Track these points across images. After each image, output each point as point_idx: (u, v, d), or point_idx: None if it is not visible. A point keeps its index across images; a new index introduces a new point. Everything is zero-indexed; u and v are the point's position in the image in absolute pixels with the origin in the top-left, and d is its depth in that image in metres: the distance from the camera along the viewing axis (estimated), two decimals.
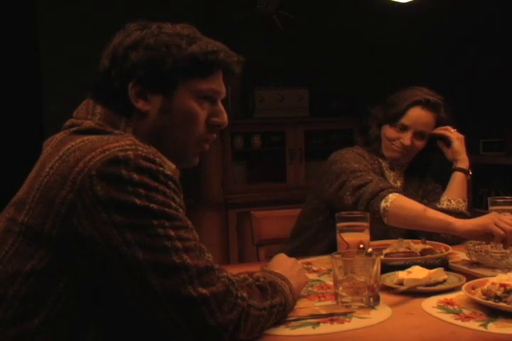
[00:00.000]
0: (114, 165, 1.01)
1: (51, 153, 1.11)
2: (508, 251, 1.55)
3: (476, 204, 4.24)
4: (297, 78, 4.03)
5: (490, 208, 1.68)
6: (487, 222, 1.57)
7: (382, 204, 1.75)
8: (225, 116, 1.25)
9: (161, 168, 1.05)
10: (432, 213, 1.70)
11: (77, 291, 1.05)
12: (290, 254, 1.49)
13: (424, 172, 2.16)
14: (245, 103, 3.96)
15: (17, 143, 3.70)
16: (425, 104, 2.02)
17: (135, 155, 1.03)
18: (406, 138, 2.01)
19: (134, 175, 1.01)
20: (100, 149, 1.04)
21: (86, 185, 1.01)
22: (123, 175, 1.01)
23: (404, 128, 2.02)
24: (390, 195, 1.76)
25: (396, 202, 1.74)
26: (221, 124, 1.25)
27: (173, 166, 1.21)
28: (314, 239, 2.01)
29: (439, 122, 2.05)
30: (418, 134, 2.02)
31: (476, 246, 1.65)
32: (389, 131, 2.05)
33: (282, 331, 1.17)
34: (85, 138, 1.10)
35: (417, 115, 2.02)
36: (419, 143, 2.03)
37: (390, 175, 2.09)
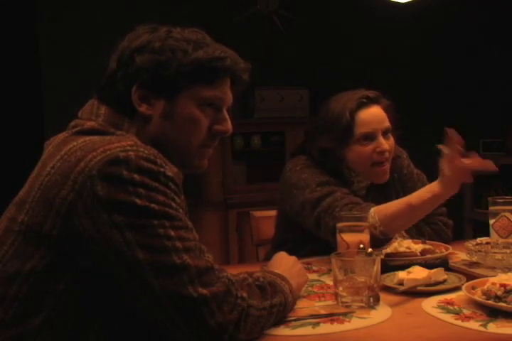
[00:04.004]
0: (115, 166, 1.02)
1: (53, 153, 1.11)
2: (508, 251, 1.55)
3: (476, 204, 4.24)
4: (297, 78, 4.03)
5: (490, 208, 1.68)
6: (451, 168, 1.53)
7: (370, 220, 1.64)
8: (229, 124, 1.24)
9: (161, 169, 1.05)
10: (415, 199, 1.63)
11: (77, 291, 1.05)
12: None
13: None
14: (245, 103, 3.96)
15: (17, 143, 3.70)
16: (366, 103, 1.82)
17: (136, 155, 1.03)
18: (382, 144, 1.80)
19: (135, 176, 1.02)
20: (101, 149, 1.04)
21: (87, 185, 1.01)
22: (124, 176, 1.01)
23: (370, 137, 1.81)
24: (371, 211, 1.66)
25: (379, 214, 1.65)
26: (224, 132, 1.24)
27: (175, 169, 1.20)
28: (292, 252, 1.80)
29: (388, 111, 1.85)
30: (386, 133, 1.83)
31: (476, 246, 1.65)
32: (357, 151, 1.81)
33: (282, 331, 1.17)
34: (87, 138, 1.10)
35: (369, 116, 1.81)
36: (392, 141, 1.85)
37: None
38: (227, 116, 1.24)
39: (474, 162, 1.53)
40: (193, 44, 1.16)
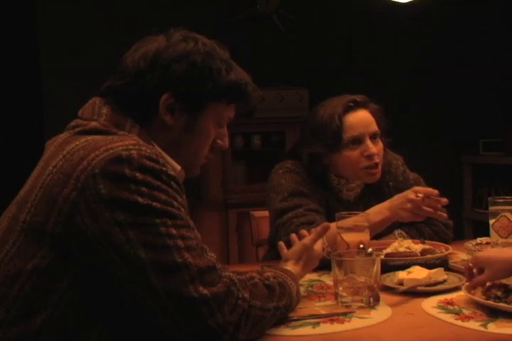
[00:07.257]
0: (118, 164, 1.02)
1: (55, 152, 1.11)
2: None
3: (476, 204, 4.24)
4: (297, 78, 4.03)
5: (490, 208, 1.68)
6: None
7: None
8: (227, 140, 1.30)
9: (164, 168, 1.06)
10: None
11: (79, 290, 1.05)
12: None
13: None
14: None
15: (17, 143, 3.70)
16: (353, 107, 1.83)
17: (138, 154, 1.04)
18: (369, 147, 1.80)
19: (137, 174, 1.02)
20: (104, 148, 1.04)
21: (89, 184, 1.01)
22: (126, 174, 1.01)
23: (357, 141, 1.81)
24: None
25: (327, 235, 1.59)
26: (223, 147, 1.30)
27: (179, 167, 1.22)
28: None
29: (376, 115, 1.86)
30: (373, 137, 1.83)
31: (476, 246, 1.65)
32: (346, 156, 1.82)
33: (282, 331, 1.17)
34: (89, 137, 1.10)
35: (356, 120, 1.81)
36: (381, 145, 1.85)
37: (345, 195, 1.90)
38: (226, 132, 1.29)
39: (432, 211, 1.66)
40: (224, 64, 1.20)
